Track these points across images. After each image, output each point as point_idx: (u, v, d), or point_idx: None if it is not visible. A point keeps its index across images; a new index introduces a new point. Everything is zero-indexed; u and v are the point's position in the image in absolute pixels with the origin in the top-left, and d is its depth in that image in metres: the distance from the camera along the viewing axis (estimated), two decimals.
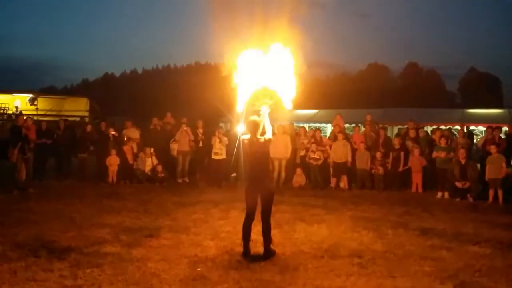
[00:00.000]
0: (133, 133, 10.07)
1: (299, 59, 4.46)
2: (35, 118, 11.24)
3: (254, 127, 4.45)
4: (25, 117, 8.80)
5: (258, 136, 4.45)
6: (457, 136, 9.83)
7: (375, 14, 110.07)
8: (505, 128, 12.03)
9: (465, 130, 11.49)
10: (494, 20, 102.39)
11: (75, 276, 3.78)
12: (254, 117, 4.50)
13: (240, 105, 4.52)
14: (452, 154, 8.51)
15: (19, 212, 6.27)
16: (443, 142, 8.70)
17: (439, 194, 8.38)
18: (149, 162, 9.68)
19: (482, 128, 13.60)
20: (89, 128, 10.36)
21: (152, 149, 9.79)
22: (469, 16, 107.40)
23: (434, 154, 8.72)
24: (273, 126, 4.65)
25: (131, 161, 9.67)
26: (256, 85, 4.48)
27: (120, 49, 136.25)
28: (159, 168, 9.65)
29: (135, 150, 9.88)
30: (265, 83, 4.49)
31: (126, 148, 9.70)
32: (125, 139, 9.81)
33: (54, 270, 3.89)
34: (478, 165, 8.59)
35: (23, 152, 7.90)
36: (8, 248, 4.50)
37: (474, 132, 12.89)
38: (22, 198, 7.38)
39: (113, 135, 9.78)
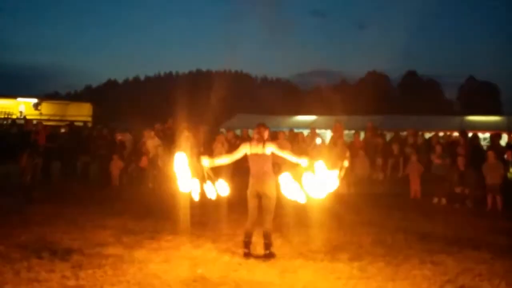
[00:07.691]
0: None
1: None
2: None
3: (260, 131, 4.56)
4: (34, 122, 8.82)
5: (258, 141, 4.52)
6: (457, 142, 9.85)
7: (374, 24, 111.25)
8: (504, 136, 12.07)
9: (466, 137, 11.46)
10: (492, 28, 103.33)
11: (77, 277, 3.82)
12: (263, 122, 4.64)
13: None
14: (447, 160, 8.56)
15: (22, 214, 6.30)
16: (439, 149, 8.76)
17: (435, 200, 8.41)
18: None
19: (480, 135, 13.62)
20: (87, 131, 10.51)
21: None
22: (467, 25, 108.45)
23: (433, 157, 8.77)
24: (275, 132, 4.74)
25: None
26: None
27: (123, 56, 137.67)
28: None
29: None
30: None
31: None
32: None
33: (56, 271, 3.93)
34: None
35: (33, 157, 7.87)
36: (11, 249, 4.55)
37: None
38: (25, 200, 7.38)
39: (119, 140, 9.88)
